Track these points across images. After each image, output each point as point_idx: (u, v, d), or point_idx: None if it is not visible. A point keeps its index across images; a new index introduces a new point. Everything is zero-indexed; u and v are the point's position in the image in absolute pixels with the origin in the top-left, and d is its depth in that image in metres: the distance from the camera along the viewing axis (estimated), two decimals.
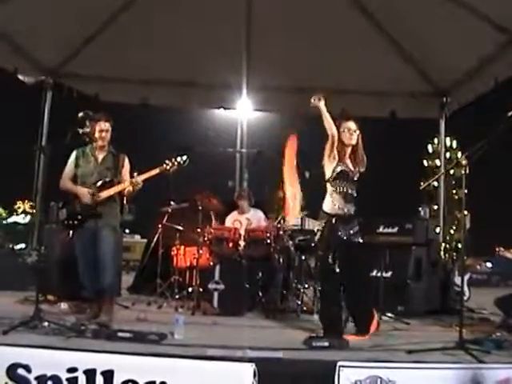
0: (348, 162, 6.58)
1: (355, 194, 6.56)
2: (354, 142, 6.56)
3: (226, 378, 4.52)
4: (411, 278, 8.55)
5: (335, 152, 6.50)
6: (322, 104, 6.40)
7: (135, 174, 6.96)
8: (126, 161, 7.17)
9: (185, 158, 7.05)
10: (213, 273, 8.20)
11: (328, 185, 6.56)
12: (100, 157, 7.08)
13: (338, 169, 6.49)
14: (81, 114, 6.96)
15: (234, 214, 9.59)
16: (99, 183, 6.91)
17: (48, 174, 6.98)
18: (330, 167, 6.55)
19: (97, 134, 6.97)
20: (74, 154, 7.13)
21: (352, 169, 6.55)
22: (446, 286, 8.95)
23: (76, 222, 6.89)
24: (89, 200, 6.80)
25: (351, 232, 6.46)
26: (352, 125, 6.56)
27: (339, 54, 10.50)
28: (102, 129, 6.99)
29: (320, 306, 7.15)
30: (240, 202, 9.59)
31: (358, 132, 6.56)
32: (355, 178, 6.55)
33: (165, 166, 6.98)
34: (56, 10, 9.20)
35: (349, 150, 6.60)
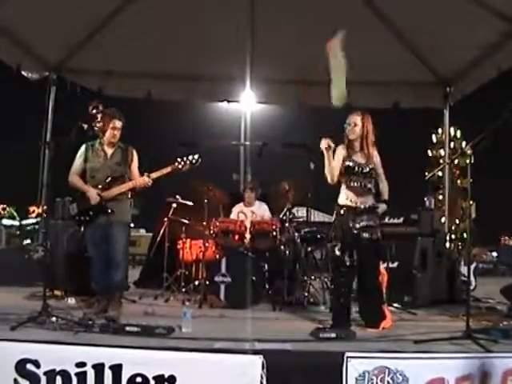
0: (357, 156, 6.57)
1: (369, 186, 6.53)
2: (353, 136, 6.54)
3: (235, 371, 4.53)
4: (417, 268, 8.55)
5: (344, 150, 6.57)
6: (330, 152, 6.46)
7: (145, 174, 6.97)
8: (135, 155, 7.17)
9: (197, 156, 7.05)
10: (219, 265, 8.21)
11: (341, 180, 6.58)
12: (109, 151, 7.07)
13: (345, 164, 6.51)
14: (92, 108, 6.93)
15: (240, 206, 9.60)
16: (110, 179, 6.92)
17: (53, 170, 6.98)
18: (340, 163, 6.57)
19: (109, 131, 6.97)
20: (82, 148, 7.10)
21: (362, 162, 6.52)
22: (452, 275, 8.96)
23: (87, 218, 6.90)
24: (96, 202, 6.82)
25: (363, 225, 6.43)
26: (352, 118, 6.56)
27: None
28: (116, 127, 6.99)
29: (330, 298, 7.17)
30: (246, 194, 9.60)
31: (359, 125, 6.53)
32: (366, 171, 6.50)
33: (177, 164, 6.98)
34: (58, 6, 9.19)
35: (357, 143, 6.57)
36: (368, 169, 6.51)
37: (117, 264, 6.75)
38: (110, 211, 6.81)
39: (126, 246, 7.01)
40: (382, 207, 6.60)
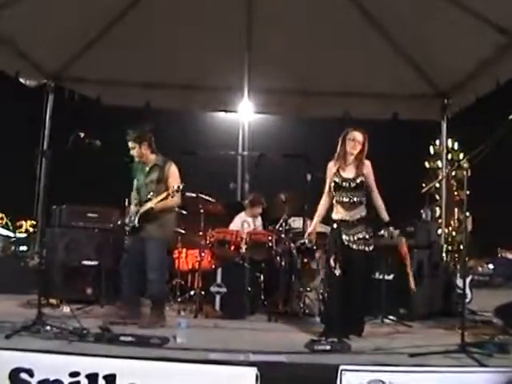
0: (347, 170, 6.78)
1: (356, 200, 6.71)
2: (355, 151, 6.73)
3: (229, 382, 4.51)
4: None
5: (334, 167, 6.86)
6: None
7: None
8: (172, 169, 7.28)
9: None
10: (215, 276, 8.21)
11: (332, 195, 6.84)
12: (146, 169, 7.31)
13: (333, 180, 6.77)
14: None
15: (243, 216, 9.51)
16: (148, 196, 7.10)
17: (50, 178, 6.97)
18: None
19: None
20: (133, 168, 7.49)
21: (351, 177, 6.72)
22: (448, 288, 8.95)
23: (129, 230, 7.24)
24: (132, 221, 7.12)
25: (354, 238, 6.61)
26: (358, 135, 6.75)
27: (341, 56, 10.51)
28: (130, 147, 7.25)
29: (322, 308, 7.22)
30: (255, 209, 9.53)
31: (362, 142, 6.72)
32: (353, 185, 6.69)
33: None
34: (57, 14, 9.20)
35: (351, 157, 6.77)
36: (356, 183, 6.70)
37: (150, 279, 7.02)
38: (143, 228, 7.07)
39: (161, 260, 7.25)
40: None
